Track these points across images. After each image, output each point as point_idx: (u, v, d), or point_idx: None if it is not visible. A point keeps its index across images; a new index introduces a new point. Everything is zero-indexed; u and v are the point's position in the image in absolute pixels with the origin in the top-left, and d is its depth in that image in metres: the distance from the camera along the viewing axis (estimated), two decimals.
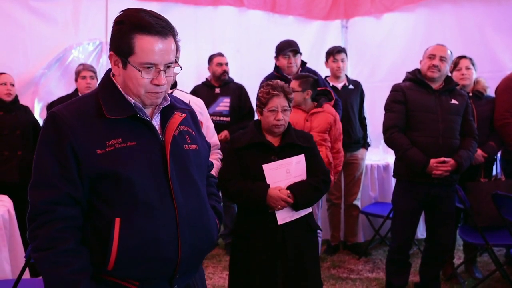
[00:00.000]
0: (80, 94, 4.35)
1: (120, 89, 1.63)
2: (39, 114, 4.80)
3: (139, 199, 1.55)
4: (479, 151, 3.78)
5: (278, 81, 2.82)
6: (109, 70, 1.69)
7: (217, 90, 4.79)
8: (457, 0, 5.42)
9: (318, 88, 3.86)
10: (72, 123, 1.53)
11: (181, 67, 1.66)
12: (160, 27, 1.54)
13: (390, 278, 3.64)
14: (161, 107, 1.68)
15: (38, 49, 4.91)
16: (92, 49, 5.23)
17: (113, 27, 1.59)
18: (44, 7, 4.93)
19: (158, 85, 1.58)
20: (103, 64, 5.23)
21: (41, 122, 4.41)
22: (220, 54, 4.88)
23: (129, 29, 1.53)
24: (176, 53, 1.65)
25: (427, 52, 3.47)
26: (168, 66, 1.59)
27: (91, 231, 1.57)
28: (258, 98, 2.80)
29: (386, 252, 4.02)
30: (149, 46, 1.53)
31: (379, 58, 6.25)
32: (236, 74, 5.13)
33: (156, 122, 1.68)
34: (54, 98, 4.65)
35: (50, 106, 4.38)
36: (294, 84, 3.67)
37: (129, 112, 1.59)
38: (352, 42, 6.57)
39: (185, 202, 1.63)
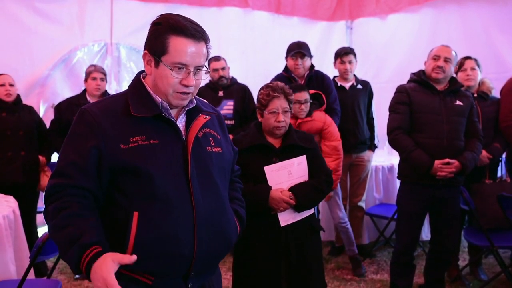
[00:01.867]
0: (88, 95, 4.37)
1: (149, 90, 1.69)
2: (43, 115, 4.81)
3: (157, 195, 1.59)
4: (484, 153, 3.77)
5: (278, 82, 2.81)
6: (140, 73, 1.76)
7: (221, 93, 4.75)
8: (462, 0, 5.40)
9: (310, 92, 3.89)
10: (99, 119, 1.60)
11: (210, 72, 1.72)
12: (195, 31, 1.62)
13: (395, 279, 3.63)
14: (187, 108, 1.74)
15: (43, 51, 4.95)
16: (97, 50, 5.27)
17: (150, 28, 1.67)
18: (49, 8, 4.97)
19: (186, 86, 1.63)
20: (107, 65, 5.26)
21: (46, 123, 4.42)
22: (216, 59, 4.72)
23: (165, 30, 1.61)
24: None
25: (431, 53, 3.45)
26: (198, 69, 1.66)
27: (111, 223, 1.62)
28: (258, 100, 2.79)
29: (391, 253, 4.02)
30: (182, 47, 1.60)
31: (384, 59, 6.24)
32: (241, 75, 5.13)
33: (181, 123, 1.73)
34: (60, 99, 4.68)
35: (58, 107, 4.39)
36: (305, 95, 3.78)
37: (154, 111, 1.65)
38: (357, 43, 6.56)
39: (203, 202, 1.66)
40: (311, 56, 4.32)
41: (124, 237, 1.57)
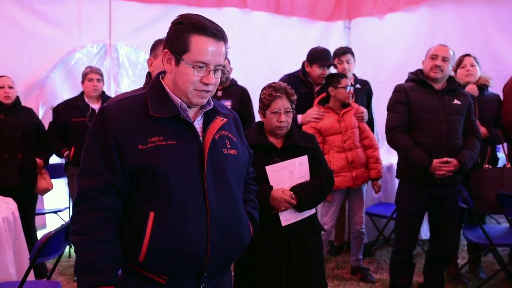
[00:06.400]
0: (86, 97, 4.37)
1: (168, 90, 1.71)
2: (42, 117, 4.80)
3: (173, 195, 1.61)
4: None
5: (281, 82, 2.81)
6: (159, 73, 1.78)
7: (219, 93, 4.74)
8: (459, 0, 5.41)
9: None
10: (118, 119, 1.62)
11: (228, 71, 1.74)
12: (216, 30, 1.65)
13: (394, 278, 3.64)
14: (204, 110, 1.75)
15: (42, 52, 4.94)
16: (96, 52, 5.26)
17: (170, 27, 1.69)
18: (48, 10, 4.96)
19: (206, 84, 1.65)
20: (106, 67, 5.26)
21: (45, 124, 4.42)
22: None
23: (187, 29, 1.63)
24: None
25: (429, 53, 3.47)
26: (217, 69, 1.68)
27: (128, 222, 1.66)
28: (260, 100, 2.79)
29: (390, 252, 4.03)
30: (204, 46, 1.62)
31: (382, 58, 6.25)
32: (241, 76, 5.12)
33: (198, 124, 1.74)
34: (59, 100, 4.68)
35: (56, 109, 4.40)
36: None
37: (173, 112, 1.66)
38: (355, 42, 6.56)
39: (218, 203, 1.67)
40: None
41: (139, 237, 1.60)
